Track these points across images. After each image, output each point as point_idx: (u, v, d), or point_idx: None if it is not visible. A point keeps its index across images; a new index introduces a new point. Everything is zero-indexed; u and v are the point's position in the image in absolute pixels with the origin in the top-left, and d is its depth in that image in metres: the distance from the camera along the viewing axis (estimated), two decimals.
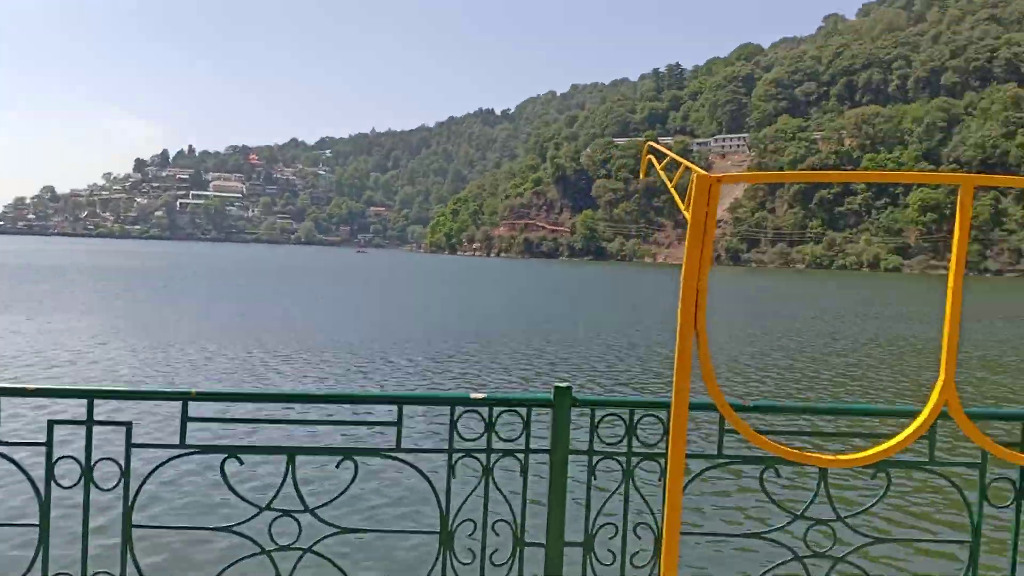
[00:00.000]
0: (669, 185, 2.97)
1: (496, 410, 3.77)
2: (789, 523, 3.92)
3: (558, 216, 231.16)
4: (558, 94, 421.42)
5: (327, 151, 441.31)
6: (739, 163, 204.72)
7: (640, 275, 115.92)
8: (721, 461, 3.87)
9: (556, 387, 3.73)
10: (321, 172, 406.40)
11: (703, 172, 2.39)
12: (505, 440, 3.78)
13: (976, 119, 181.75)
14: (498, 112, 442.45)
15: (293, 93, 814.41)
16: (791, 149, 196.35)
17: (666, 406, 3.69)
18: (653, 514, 3.79)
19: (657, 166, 3.21)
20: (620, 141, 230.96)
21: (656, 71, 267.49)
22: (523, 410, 3.80)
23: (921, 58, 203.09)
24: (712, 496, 10.68)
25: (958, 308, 2.59)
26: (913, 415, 3.83)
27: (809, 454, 2.70)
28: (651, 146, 3.34)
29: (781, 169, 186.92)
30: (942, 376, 2.61)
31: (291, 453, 3.68)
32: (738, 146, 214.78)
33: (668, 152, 3.17)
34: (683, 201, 2.52)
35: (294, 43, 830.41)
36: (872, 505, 4.16)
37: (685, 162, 2.87)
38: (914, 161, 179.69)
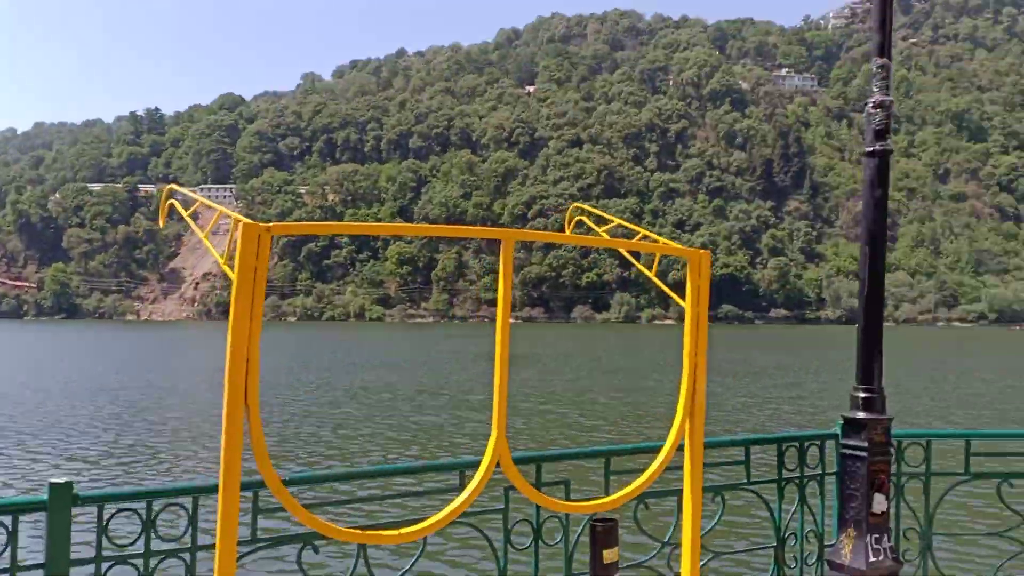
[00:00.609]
0: (202, 235, 2.65)
1: None
2: None
3: (21, 270, 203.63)
4: (19, 132, 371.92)
5: None
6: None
7: (130, 334, 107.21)
8: (258, 546, 3.60)
9: (51, 484, 3.17)
10: None
11: (250, 221, 2.10)
12: None
13: (440, 180, 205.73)
14: None
15: None
16: (279, 202, 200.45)
17: (190, 492, 3.50)
18: None
19: (183, 212, 2.89)
20: (96, 187, 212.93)
21: (134, 114, 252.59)
22: (7, 518, 3.14)
23: (391, 122, 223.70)
24: None
25: (505, 367, 2.57)
26: (459, 467, 4.07)
27: (351, 530, 2.53)
28: (174, 190, 3.04)
29: (269, 221, 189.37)
30: (494, 432, 2.61)
31: None
32: (225, 197, 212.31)
33: (199, 197, 2.87)
34: (221, 253, 2.28)
35: None
36: (409, 568, 4.20)
37: (223, 209, 2.55)
38: (391, 217, 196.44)
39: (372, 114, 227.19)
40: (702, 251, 2.93)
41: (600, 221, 3.63)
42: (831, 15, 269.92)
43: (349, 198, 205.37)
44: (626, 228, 3.63)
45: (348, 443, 21.49)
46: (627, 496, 3.04)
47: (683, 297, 2.95)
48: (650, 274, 3.20)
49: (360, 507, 11.68)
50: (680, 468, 3.13)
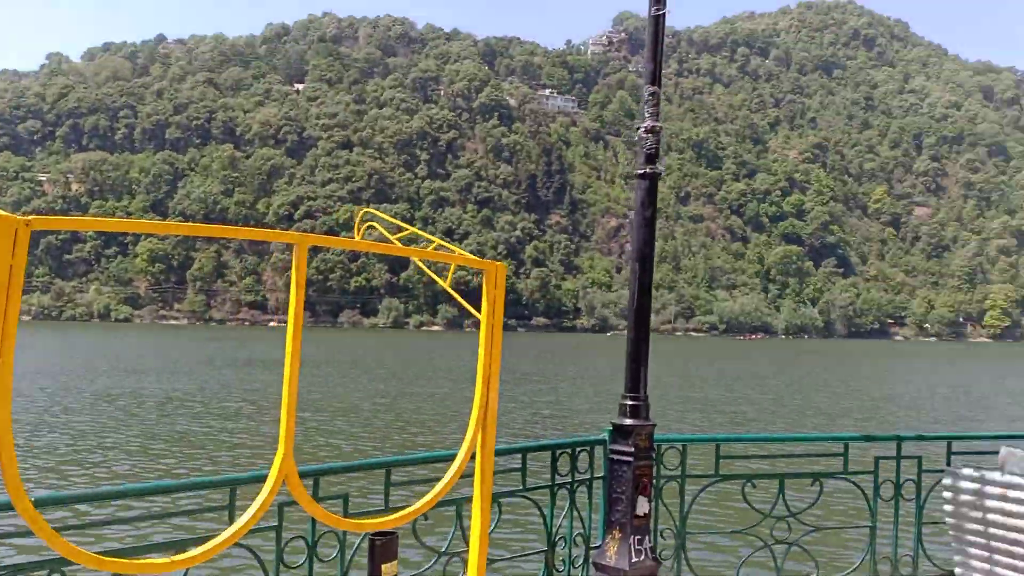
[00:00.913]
0: None
1: None
2: None
3: None
4: None
5: None
6: None
7: None
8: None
9: None
10: None
11: (5, 213, 1.94)
12: None
13: (199, 175, 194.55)
14: None
15: None
16: (15, 189, 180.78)
17: None
18: None
19: None
20: None
21: None
22: None
23: (146, 110, 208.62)
24: None
25: (295, 380, 2.42)
26: (231, 484, 3.79)
27: (109, 558, 2.26)
28: None
29: (2, 209, 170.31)
30: (282, 448, 2.43)
31: None
32: None
33: None
34: None
35: None
36: None
37: None
38: (142, 211, 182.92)
39: (125, 101, 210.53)
40: (498, 263, 2.90)
41: (378, 223, 3.54)
42: (590, 42, 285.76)
43: (96, 189, 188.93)
44: (420, 237, 3.57)
45: (88, 456, 19.71)
46: (418, 511, 2.93)
47: (473, 306, 2.96)
48: (445, 284, 3.17)
49: (120, 528, 10.67)
50: (461, 477, 3.05)
